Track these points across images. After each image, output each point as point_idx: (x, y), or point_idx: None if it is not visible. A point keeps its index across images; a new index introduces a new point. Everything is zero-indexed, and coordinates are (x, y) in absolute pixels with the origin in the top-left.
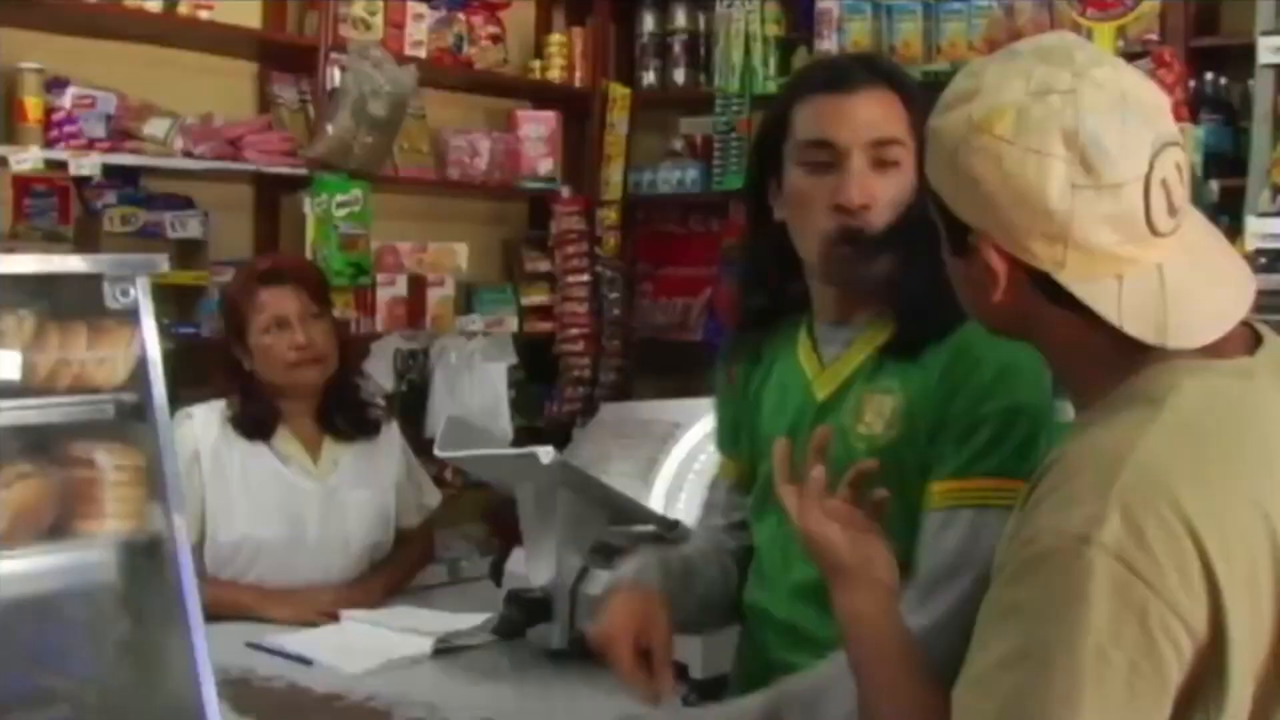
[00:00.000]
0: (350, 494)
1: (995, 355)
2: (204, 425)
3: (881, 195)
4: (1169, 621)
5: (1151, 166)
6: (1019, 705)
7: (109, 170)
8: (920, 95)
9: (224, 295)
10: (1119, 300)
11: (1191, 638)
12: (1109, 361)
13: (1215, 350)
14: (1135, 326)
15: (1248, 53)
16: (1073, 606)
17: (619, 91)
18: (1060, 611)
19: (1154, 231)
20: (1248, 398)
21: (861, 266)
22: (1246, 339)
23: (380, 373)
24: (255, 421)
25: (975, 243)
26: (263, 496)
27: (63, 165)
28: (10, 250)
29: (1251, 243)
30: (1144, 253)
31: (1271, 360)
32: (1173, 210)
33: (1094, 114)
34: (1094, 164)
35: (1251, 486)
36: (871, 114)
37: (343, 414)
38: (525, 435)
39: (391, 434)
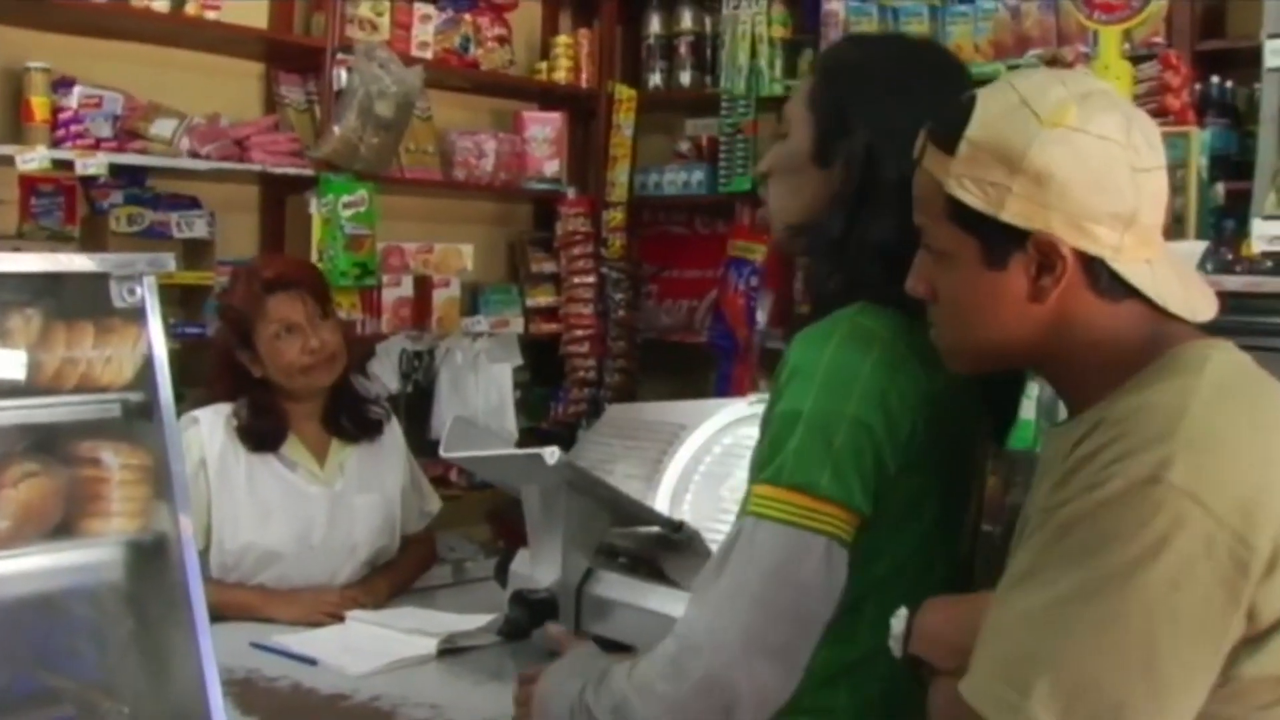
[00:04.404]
0: (356, 498)
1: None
2: (210, 431)
3: None
4: (1239, 552)
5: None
6: (1085, 639)
7: (115, 170)
8: None
9: (225, 304)
10: (1154, 281)
11: (1259, 566)
12: (1133, 348)
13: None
14: (1172, 303)
15: (1254, 56)
16: (1146, 544)
17: (625, 93)
18: (1132, 549)
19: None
20: (1254, 364)
21: None
22: None
23: (386, 374)
24: (263, 434)
25: (1034, 243)
26: (269, 502)
27: (69, 165)
28: (16, 249)
29: (1258, 246)
30: (1161, 242)
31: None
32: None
33: (1133, 106)
34: (1140, 149)
35: None
36: None
37: (346, 414)
38: (530, 436)
39: (395, 436)
